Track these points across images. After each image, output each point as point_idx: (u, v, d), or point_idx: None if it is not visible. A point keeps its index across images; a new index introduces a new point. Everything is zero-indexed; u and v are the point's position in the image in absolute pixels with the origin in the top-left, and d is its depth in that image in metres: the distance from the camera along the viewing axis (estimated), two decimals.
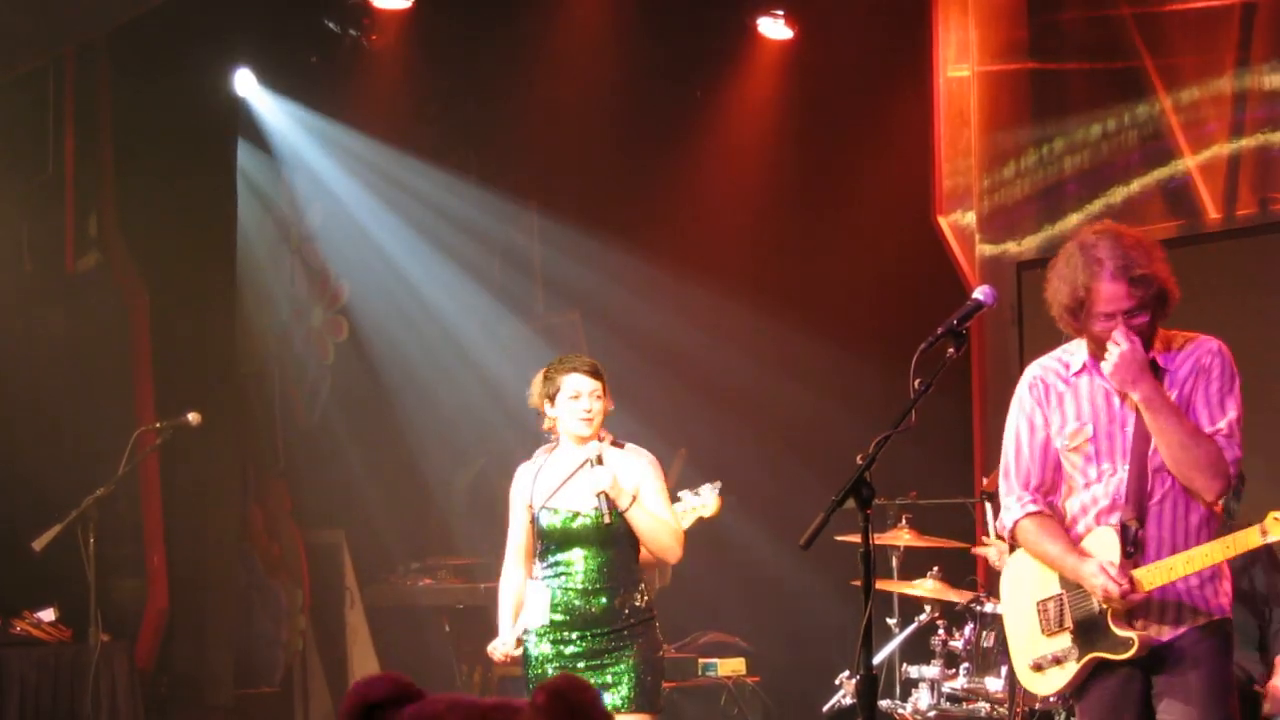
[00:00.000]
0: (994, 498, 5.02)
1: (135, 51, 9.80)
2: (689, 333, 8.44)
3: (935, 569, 6.16)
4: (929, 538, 6.29)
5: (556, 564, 5.10)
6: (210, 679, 10.32)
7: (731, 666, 7.49)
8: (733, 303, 8.18)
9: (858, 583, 3.51)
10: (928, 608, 6.19)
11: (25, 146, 10.38)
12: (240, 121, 10.26)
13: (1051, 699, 5.12)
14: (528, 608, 5.15)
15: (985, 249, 7.59)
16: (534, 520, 5.14)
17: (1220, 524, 4.06)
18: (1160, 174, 6.97)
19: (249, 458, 10.90)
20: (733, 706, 7.40)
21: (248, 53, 9.78)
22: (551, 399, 5.20)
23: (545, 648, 5.10)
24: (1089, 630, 4.02)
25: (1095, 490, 4.05)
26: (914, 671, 6.09)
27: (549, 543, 5.12)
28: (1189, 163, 6.89)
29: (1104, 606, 3.97)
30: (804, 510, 4.36)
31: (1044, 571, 4.14)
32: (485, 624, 9.04)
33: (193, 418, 6.86)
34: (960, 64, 7.72)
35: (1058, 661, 4.10)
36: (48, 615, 8.99)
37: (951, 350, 3.77)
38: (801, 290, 8.11)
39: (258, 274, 10.86)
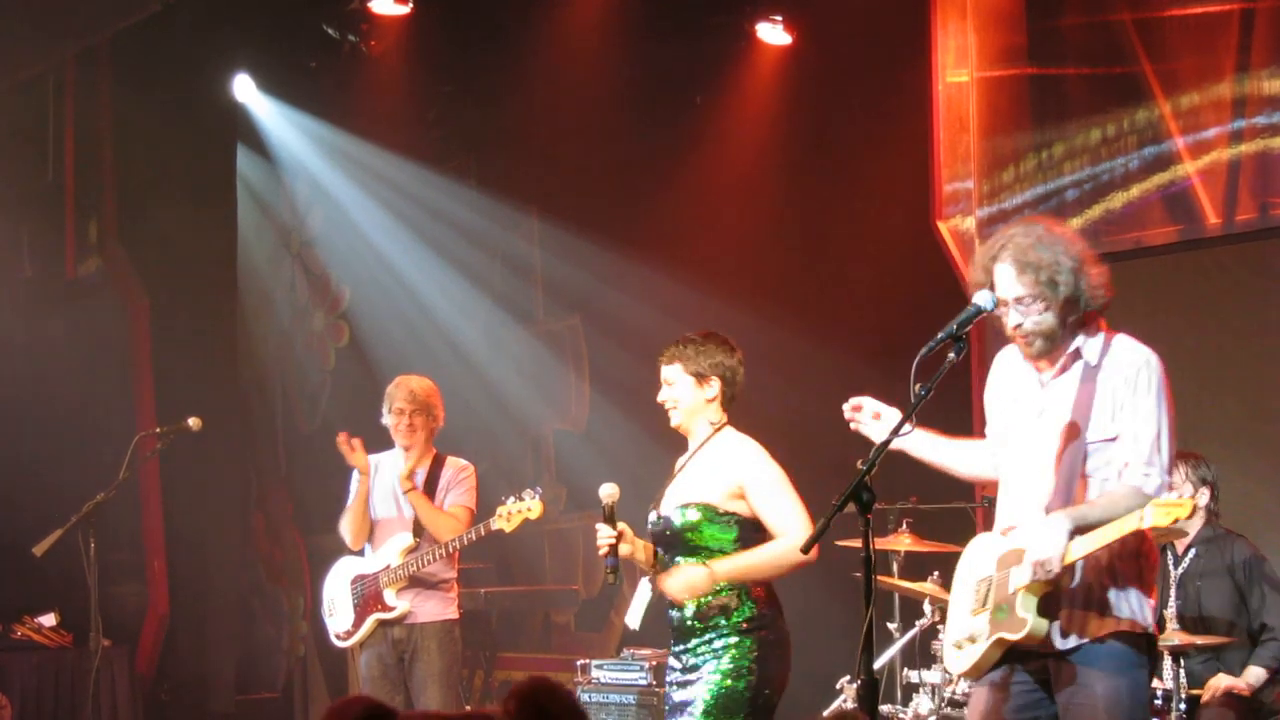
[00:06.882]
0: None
1: (135, 57, 9.81)
2: None
3: (935, 574, 6.17)
4: (930, 542, 6.30)
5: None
6: (211, 684, 10.32)
7: None
8: (732, 308, 8.16)
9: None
10: (928, 610, 6.20)
11: (26, 152, 10.39)
12: (240, 127, 10.28)
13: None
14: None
15: None
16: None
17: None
18: (1160, 179, 6.97)
19: (250, 463, 10.91)
20: None
21: (247, 58, 9.79)
22: None
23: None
24: (1001, 610, 3.84)
25: None
26: (915, 676, 6.10)
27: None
28: (1189, 168, 6.88)
29: (1018, 587, 3.78)
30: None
31: (990, 551, 3.99)
32: (485, 629, 9.05)
33: (193, 423, 6.86)
34: (959, 69, 7.72)
35: (971, 640, 3.93)
36: (48, 620, 9.00)
37: (952, 355, 3.76)
38: (801, 295, 8.11)
39: (258, 279, 10.88)
